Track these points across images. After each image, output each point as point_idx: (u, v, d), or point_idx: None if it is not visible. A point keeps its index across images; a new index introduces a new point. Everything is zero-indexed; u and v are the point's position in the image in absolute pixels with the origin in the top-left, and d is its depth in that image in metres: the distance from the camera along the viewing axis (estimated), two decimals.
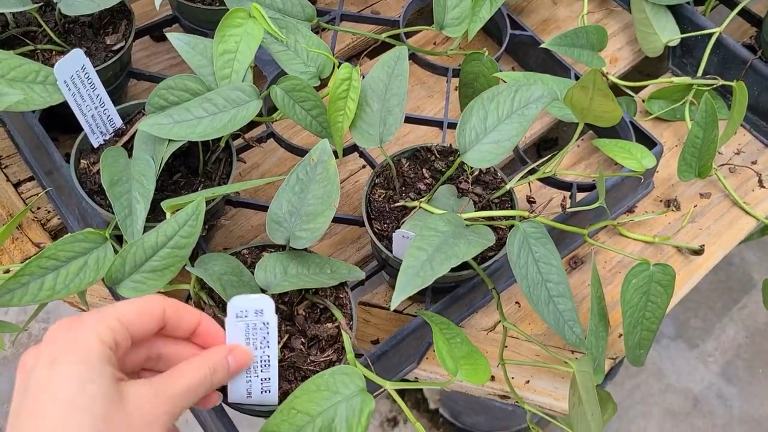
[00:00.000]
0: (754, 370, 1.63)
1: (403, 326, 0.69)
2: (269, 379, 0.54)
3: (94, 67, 0.68)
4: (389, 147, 0.86)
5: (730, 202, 0.88)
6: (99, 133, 0.70)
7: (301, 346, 0.62)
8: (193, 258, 0.60)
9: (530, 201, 0.84)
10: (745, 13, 0.99)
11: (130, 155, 0.67)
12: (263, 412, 0.58)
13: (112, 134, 0.71)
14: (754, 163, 0.92)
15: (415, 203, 0.68)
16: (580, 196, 0.80)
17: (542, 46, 0.87)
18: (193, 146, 0.71)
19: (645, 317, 0.72)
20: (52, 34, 0.77)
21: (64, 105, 0.67)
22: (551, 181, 0.82)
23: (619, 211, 0.86)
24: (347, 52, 0.99)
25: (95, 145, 0.71)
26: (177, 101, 0.67)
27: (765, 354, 1.65)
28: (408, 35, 0.93)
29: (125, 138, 0.71)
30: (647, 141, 0.83)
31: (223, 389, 0.53)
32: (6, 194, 0.83)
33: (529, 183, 0.72)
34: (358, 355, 0.61)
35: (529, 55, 0.95)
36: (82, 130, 0.69)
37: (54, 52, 0.78)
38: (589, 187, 0.81)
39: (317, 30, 0.83)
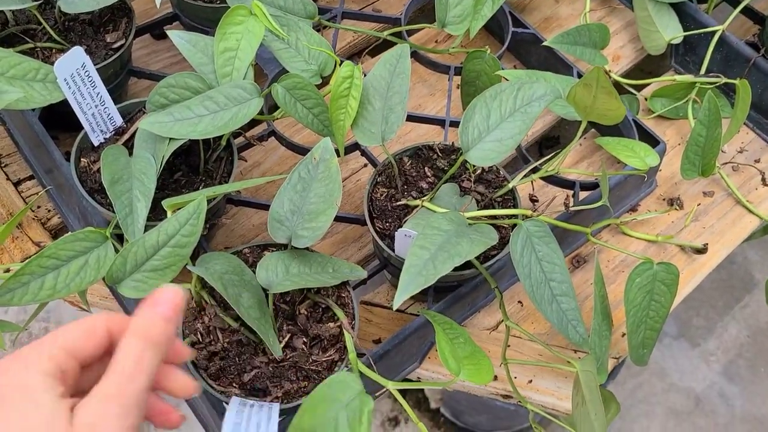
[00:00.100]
0: (756, 369, 1.63)
1: (405, 326, 0.68)
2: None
3: (95, 65, 0.68)
4: (391, 145, 0.86)
5: (733, 201, 0.88)
6: (99, 131, 0.70)
7: (303, 346, 0.62)
8: (194, 257, 0.60)
9: (533, 199, 0.84)
10: (748, 11, 0.99)
11: (130, 154, 0.67)
12: None
13: (113, 132, 0.71)
14: (757, 161, 0.91)
15: (418, 202, 0.68)
16: (583, 194, 0.80)
17: (544, 44, 0.86)
18: (194, 144, 0.71)
19: (648, 316, 0.72)
20: (52, 32, 0.76)
21: (64, 103, 0.66)
22: (554, 180, 0.81)
23: (622, 210, 0.85)
24: (348, 49, 0.99)
25: (95, 144, 0.70)
26: (178, 99, 0.67)
27: (767, 353, 1.64)
28: (409, 33, 0.93)
29: (126, 136, 0.70)
30: (650, 139, 0.83)
31: None
32: (6, 193, 0.82)
33: (531, 181, 0.72)
34: (360, 355, 0.60)
35: (531, 53, 0.95)
36: (82, 128, 0.69)
37: (54, 50, 0.77)
38: (592, 186, 0.80)
39: (318, 28, 0.83)
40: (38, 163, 0.82)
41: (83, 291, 0.64)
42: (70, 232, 0.79)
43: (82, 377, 0.41)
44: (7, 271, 0.66)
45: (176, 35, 0.69)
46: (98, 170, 0.68)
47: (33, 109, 0.75)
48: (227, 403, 0.57)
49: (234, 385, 0.60)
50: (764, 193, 0.88)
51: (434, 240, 0.58)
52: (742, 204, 0.87)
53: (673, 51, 0.98)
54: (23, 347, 0.39)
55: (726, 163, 0.90)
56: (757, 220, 0.86)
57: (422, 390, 1.52)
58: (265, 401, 0.59)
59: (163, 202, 0.60)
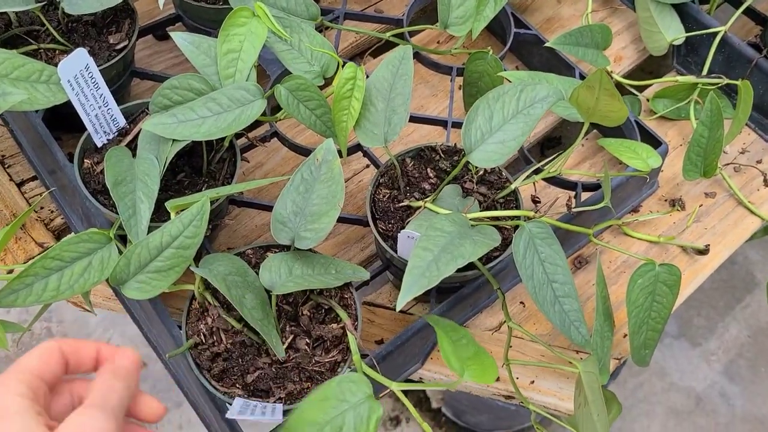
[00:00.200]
0: (757, 369, 1.63)
1: (408, 326, 0.68)
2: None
3: (98, 66, 0.68)
4: (393, 146, 0.86)
5: (735, 202, 0.88)
6: (102, 132, 0.70)
7: (306, 347, 0.62)
8: (197, 258, 0.60)
9: (535, 201, 0.84)
10: (750, 12, 0.99)
11: (133, 155, 0.67)
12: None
13: (116, 134, 0.71)
14: (759, 162, 0.91)
15: (420, 203, 0.68)
16: (585, 195, 0.80)
17: (546, 44, 0.86)
18: (196, 146, 0.71)
19: (650, 317, 0.72)
20: (55, 34, 0.76)
21: (68, 104, 0.67)
22: (556, 181, 0.81)
23: (624, 211, 0.86)
24: (350, 50, 0.99)
25: (99, 145, 0.70)
26: (181, 101, 0.67)
27: (767, 353, 1.64)
28: (411, 34, 0.93)
29: (129, 137, 0.71)
30: (652, 140, 0.83)
31: None
32: (9, 194, 0.83)
33: (534, 182, 0.72)
34: (362, 356, 0.60)
35: (533, 53, 0.95)
36: (85, 129, 0.69)
37: (57, 52, 0.77)
38: (594, 187, 0.81)
39: (321, 29, 0.83)
40: (41, 164, 0.82)
41: (87, 292, 0.64)
42: (73, 233, 0.80)
43: (52, 405, 0.46)
44: (11, 272, 0.66)
45: (179, 37, 0.69)
46: (101, 171, 0.68)
47: (36, 111, 0.75)
48: (230, 404, 0.57)
49: (237, 386, 0.60)
50: (766, 194, 0.89)
51: (437, 241, 0.58)
52: (743, 205, 0.87)
53: (675, 52, 0.98)
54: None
55: (728, 164, 0.90)
56: (758, 221, 0.87)
57: (423, 390, 1.52)
58: (268, 402, 0.59)
59: (166, 204, 0.61)
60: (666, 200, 0.87)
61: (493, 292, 0.77)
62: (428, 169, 0.72)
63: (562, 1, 1.04)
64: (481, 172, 0.72)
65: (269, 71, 0.85)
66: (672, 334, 1.66)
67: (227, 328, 0.61)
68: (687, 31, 0.94)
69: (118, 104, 0.70)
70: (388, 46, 0.88)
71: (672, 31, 0.94)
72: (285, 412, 0.58)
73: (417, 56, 0.89)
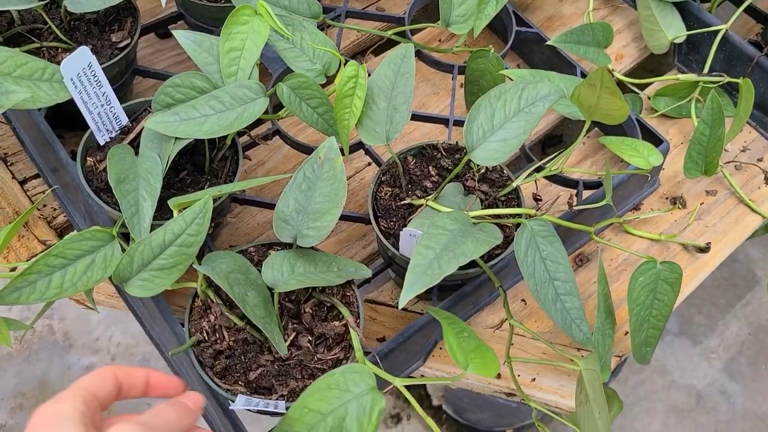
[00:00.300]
0: (757, 367, 1.63)
1: (410, 324, 0.68)
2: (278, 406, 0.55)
3: (100, 64, 0.68)
4: (395, 144, 0.86)
5: (736, 200, 0.88)
6: (105, 130, 0.70)
7: (308, 344, 0.62)
8: (199, 256, 0.60)
9: (536, 198, 0.84)
10: (751, 10, 0.99)
11: (136, 153, 0.67)
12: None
13: (118, 132, 0.71)
14: (760, 160, 0.92)
15: (422, 201, 0.68)
16: (586, 193, 0.80)
17: (548, 43, 0.87)
18: (199, 144, 0.71)
19: (652, 315, 0.72)
20: (57, 32, 0.77)
21: (70, 102, 0.67)
22: (557, 179, 0.82)
23: (625, 209, 0.86)
24: (352, 48, 0.99)
25: (101, 143, 0.71)
26: (183, 99, 0.67)
27: None
28: (413, 32, 0.93)
29: (131, 136, 0.71)
30: (653, 138, 0.83)
31: None
32: (12, 191, 0.83)
33: (535, 180, 0.72)
34: (365, 353, 0.61)
35: (535, 52, 0.95)
36: (88, 127, 0.69)
37: (60, 50, 0.77)
38: (596, 185, 0.81)
39: (323, 27, 0.83)
40: (44, 162, 0.82)
41: (90, 290, 0.64)
42: (76, 231, 0.80)
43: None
44: (14, 269, 0.67)
45: (181, 35, 0.70)
46: (104, 169, 0.68)
47: (39, 109, 0.75)
48: (233, 401, 0.57)
49: (240, 383, 0.60)
50: (767, 192, 0.89)
51: (439, 239, 0.58)
52: (744, 203, 0.87)
53: (676, 50, 0.98)
54: (58, 394, 0.49)
55: (729, 162, 0.90)
56: (759, 218, 0.87)
57: (424, 387, 1.52)
58: (270, 399, 0.59)
59: (169, 202, 0.61)
60: (667, 198, 0.88)
61: (495, 289, 0.77)
62: (430, 167, 0.72)
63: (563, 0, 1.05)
64: (483, 170, 0.72)
65: (271, 69, 0.85)
66: (673, 332, 1.66)
67: (230, 325, 0.62)
68: (688, 30, 0.94)
69: (121, 102, 0.71)
70: (390, 44, 0.89)
71: (673, 30, 0.94)
72: (287, 410, 0.58)
73: (418, 54, 0.89)
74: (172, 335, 0.64)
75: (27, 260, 0.77)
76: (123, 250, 0.61)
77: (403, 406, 1.54)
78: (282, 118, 0.75)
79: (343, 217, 0.76)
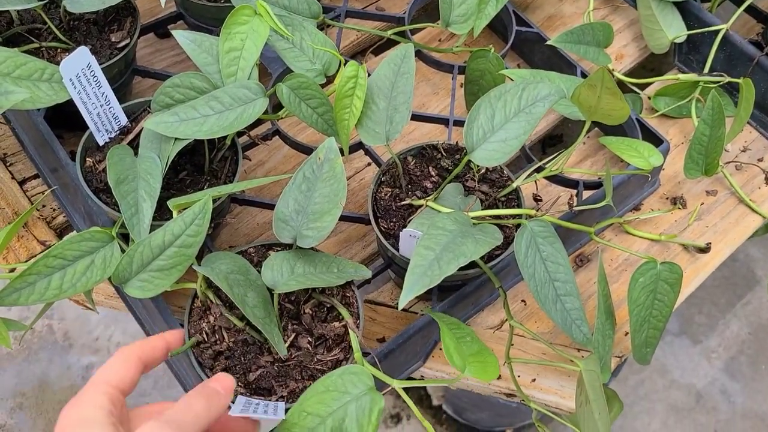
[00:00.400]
0: (758, 366, 1.63)
1: (410, 325, 0.68)
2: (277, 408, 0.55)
3: (99, 64, 0.68)
4: (395, 144, 0.86)
5: (736, 200, 0.88)
6: (104, 131, 0.70)
7: (308, 345, 0.62)
8: (199, 256, 0.60)
9: (536, 199, 0.84)
10: (751, 10, 0.99)
11: (135, 153, 0.67)
12: None
13: (118, 132, 0.71)
14: (760, 160, 0.91)
15: (422, 201, 0.68)
16: (586, 193, 0.80)
17: (548, 43, 0.86)
18: (198, 144, 0.71)
19: (652, 315, 0.72)
20: (57, 32, 0.76)
21: (70, 103, 0.67)
22: (558, 179, 0.81)
23: (625, 209, 0.86)
24: (352, 48, 0.99)
25: (101, 143, 0.71)
26: (183, 99, 0.67)
27: None
28: (413, 32, 0.93)
29: (131, 136, 0.71)
30: (653, 138, 0.83)
31: None
32: (11, 192, 0.83)
33: (535, 181, 0.72)
34: (364, 354, 0.61)
35: (535, 51, 0.95)
36: (87, 128, 0.69)
37: (59, 50, 0.77)
38: (596, 185, 0.81)
39: (322, 27, 0.83)
40: (43, 162, 0.82)
41: (89, 290, 0.64)
42: (75, 232, 0.80)
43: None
44: (13, 270, 0.67)
45: (181, 35, 0.70)
46: (104, 170, 0.68)
47: (38, 109, 0.75)
48: (233, 402, 0.57)
49: (239, 384, 0.60)
50: (767, 192, 0.89)
51: (439, 240, 0.58)
52: (745, 203, 0.87)
53: (676, 50, 0.98)
54: (80, 392, 0.49)
55: (729, 162, 0.90)
56: (760, 218, 0.87)
57: (425, 387, 1.52)
58: (270, 400, 0.59)
59: (168, 202, 0.61)
60: (667, 198, 0.87)
61: (495, 290, 0.77)
62: (430, 168, 0.72)
63: None
64: (483, 171, 0.72)
65: (271, 69, 0.85)
66: (673, 332, 1.66)
67: (229, 326, 0.62)
68: (688, 29, 0.94)
69: (120, 102, 0.71)
70: (390, 44, 0.89)
71: (673, 29, 0.94)
72: (287, 411, 0.58)
73: (418, 54, 0.89)
74: None
75: (26, 261, 0.77)
76: (122, 250, 0.61)
77: (403, 406, 1.54)
78: (282, 118, 0.75)
79: (342, 218, 0.76)
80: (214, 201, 0.61)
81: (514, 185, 0.69)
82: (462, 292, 0.71)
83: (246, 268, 0.62)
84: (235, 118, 0.65)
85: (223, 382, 0.51)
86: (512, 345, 0.71)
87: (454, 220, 0.60)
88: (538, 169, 0.73)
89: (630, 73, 0.98)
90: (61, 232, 0.82)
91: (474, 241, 0.59)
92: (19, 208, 0.81)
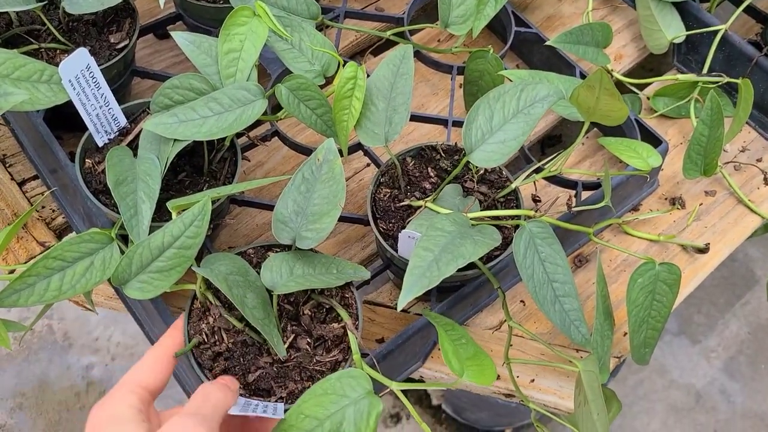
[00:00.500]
0: (757, 366, 1.63)
1: (408, 325, 0.68)
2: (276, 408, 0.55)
3: (99, 65, 0.68)
4: (394, 145, 0.86)
5: (735, 200, 0.88)
6: (104, 132, 0.70)
7: (307, 346, 0.62)
8: (198, 257, 0.60)
9: (535, 200, 0.84)
10: (750, 10, 0.99)
11: (134, 154, 0.67)
12: None
13: (117, 133, 0.71)
14: (759, 160, 0.92)
15: (421, 202, 0.68)
16: (585, 194, 0.80)
17: (547, 43, 0.86)
18: (197, 145, 0.71)
19: (650, 316, 0.72)
20: (56, 33, 0.76)
21: (69, 104, 0.67)
22: (556, 180, 0.81)
23: (624, 210, 0.86)
24: (351, 49, 0.99)
25: (100, 144, 0.71)
26: (182, 100, 0.67)
27: (767, 350, 1.65)
28: (412, 33, 0.93)
29: (130, 137, 0.71)
30: (652, 138, 0.83)
31: None
32: (11, 193, 0.83)
33: (534, 181, 0.72)
34: (363, 355, 0.61)
35: (534, 52, 0.95)
36: (86, 129, 0.69)
37: (58, 51, 0.77)
38: (595, 186, 0.81)
39: (321, 27, 0.83)
40: (43, 163, 0.82)
41: (89, 292, 0.64)
42: (74, 233, 0.80)
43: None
44: (12, 272, 0.67)
45: (180, 36, 0.70)
46: (103, 171, 0.68)
47: (38, 110, 0.75)
48: None
49: (239, 385, 0.60)
50: (766, 193, 0.89)
51: (438, 241, 0.58)
52: (743, 203, 0.87)
53: (675, 50, 0.98)
54: (110, 391, 0.52)
55: (728, 163, 0.90)
56: (758, 219, 0.87)
57: None
58: (269, 401, 0.59)
59: (167, 204, 0.61)
60: (666, 199, 0.88)
61: (494, 291, 0.77)
62: (429, 169, 0.72)
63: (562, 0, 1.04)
64: (482, 172, 0.72)
65: (270, 70, 0.85)
66: (672, 331, 1.66)
67: (229, 327, 0.62)
68: (687, 30, 0.94)
69: (119, 103, 0.71)
70: (389, 44, 0.89)
71: (672, 30, 0.94)
72: (286, 411, 0.58)
73: (417, 55, 0.89)
74: None
75: (26, 262, 0.77)
76: (122, 252, 0.61)
77: (402, 406, 1.54)
78: (281, 119, 0.75)
79: (341, 219, 0.76)
80: (213, 202, 0.61)
81: (513, 186, 0.69)
82: (461, 293, 0.71)
83: (245, 269, 0.62)
84: (234, 120, 0.65)
85: (231, 380, 0.54)
86: (511, 345, 0.71)
87: (452, 221, 0.61)
88: (537, 170, 0.73)
89: (629, 74, 0.98)
90: (60, 233, 0.82)
91: (473, 242, 0.59)
92: (18, 209, 0.82)
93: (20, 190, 0.83)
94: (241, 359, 0.61)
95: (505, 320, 0.70)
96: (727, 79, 0.90)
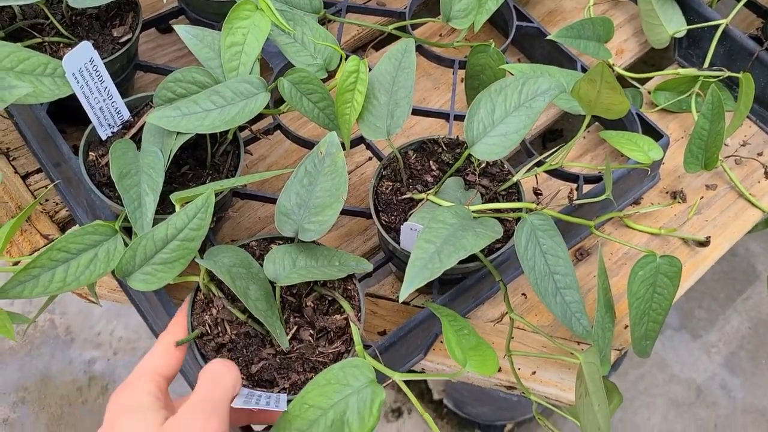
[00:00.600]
0: (758, 361, 1.63)
1: (411, 318, 0.69)
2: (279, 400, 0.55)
3: (102, 59, 0.68)
4: (395, 139, 0.86)
5: (736, 194, 0.88)
6: (107, 125, 0.70)
7: (310, 338, 0.62)
8: (201, 250, 0.60)
9: (537, 193, 0.84)
10: (751, 5, 0.99)
11: (138, 148, 0.67)
12: None
13: (120, 126, 0.72)
14: (760, 154, 0.92)
15: (423, 195, 0.68)
16: (586, 187, 0.81)
17: (548, 37, 0.87)
18: (200, 138, 0.71)
19: (651, 309, 0.72)
20: (59, 27, 0.77)
21: (72, 97, 0.67)
22: (558, 173, 0.82)
23: (625, 203, 0.86)
24: (353, 43, 0.99)
25: (103, 138, 0.71)
26: (185, 94, 0.67)
27: None
28: (414, 27, 0.93)
29: (133, 130, 0.71)
30: (653, 132, 0.83)
31: None
32: (14, 186, 0.83)
33: (535, 175, 0.72)
34: (366, 347, 0.61)
35: (535, 46, 0.95)
36: (90, 122, 0.70)
37: (61, 45, 0.78)
38: (596, 179, 0.81)
39: (323, 22, 0.83)
40: (46, 156, 0.82)
41: (93, 284, 0.65)
42: (78, 226, 0.80)
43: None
44: (17, 263, 0.67)
45: (183, 30, 0.70)
46: (106, 164, 0.68)
47: (41, 104, 0.75)
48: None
49: (242, 376, 0.61)
50: (767, 186, 0.89)
51: (440, 233, 0.58)
52: (744, 197, 0.88)
53: (676, 44, 0.98)
54: (129, 376, 0.53)
55: (729, 157, 0.91)
56: (759, 213, 0.87)
57: (425, 381, 1.53)
58: (272, 392, 0.60)
59: (171, 196, 0.61)
60: (667, 192, 0.88)
61: (495, 283, 0.77)
62: (431, 162, 0.73)
63: None
64: (483, 165, 0.72)
65: (272, 64, 0.85)
66: (673, 326, 1.67)
67: (232, 319, 0.62)
68: (688, 24, 0.94)
69: (122, 97, 0.71)
70: (391, 39, 0.89)
71: (674, 24, 0.94)
72: (289, 402, 0.59)
73: (419, 49, 0.89)
74: None
75: (29, 254, 0.78)
76: (125, 244, 0.62)
77: (404, 401, 1.54)
78: (283, 112, 0.75)
79: (344, 212, 0.76)
80: (216, 195, 0.61)
81: (515, 179, 0.70)
82: (462, 285, 0.71)
83: (248, 261, 0.62)
84: (236, 113, 0.66)
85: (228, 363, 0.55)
86: (512, 338, 0.72)
87: (454, 214, 0.61)
88: (539, 164, 0.73)
89: (630, 68, 0.98)
90: (63, 227, 0.82)
91: (474, 234, 0.59)
92: (22, 202, 0.82)
93: (24, 184, 0.84)
94: (244, 350, 0.62)
95: (507, 313, 0.70)
96: (728, 74, 0.90)
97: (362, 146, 0.83)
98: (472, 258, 0.66)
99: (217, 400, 0.50)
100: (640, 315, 0.72)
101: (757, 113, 0.94)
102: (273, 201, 0.74)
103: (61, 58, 0.65)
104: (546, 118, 0.93)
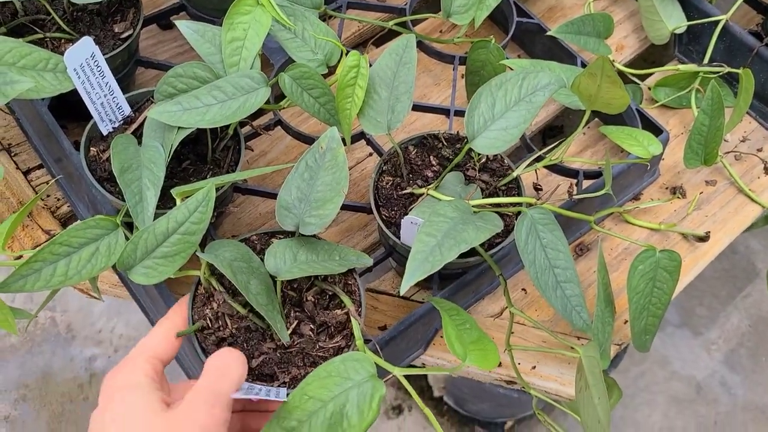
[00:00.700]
0: (758, 359, 1.64)
1: (411, 312, 0.69)
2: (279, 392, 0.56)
3: (103, 55, 0.68)
4: (396, 134, 0.87)
5: (735, 190, 0.88)
6: (108, 120, 0.71)
7: (310, 333, 0.62)
8: (202, 244, 0.61)
9: (537, 188, 0.84)
10: (751, 1, 0.99)
11: (139, 143, 0.67)
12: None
13: (121, 122, 0.72)
14: (759, 150, 0.92)
15: (423, 190, 0.69)
16: (586, 183, 0.81)
17: (549, 33, 0.87)
18: (201, 134, 0.72)
19: (651, 303, 0.73)
20: (60, 22, 0.77)
21: (74, 93, 0.67)
22: (558, 169, 0.82)
23: (625, 198, 0.86)
24: (354, 39, 0.99)
25: (104, 133, 0.71)
26: (186, 89, 0.68)
27: None
28: (414, 23, 0.93)
29: (134, 125, 0.71)
30: (653, 128, 0.83)
31: None
32: (16, 182, 0.83)
33: (535, 170, 0.73)
34: (366, 341, 0.61)
35: (536, 42, 0.95)
36: (91, 117, 0.70)
37: (63, 40, 0.78)
38: (596, 174, 0.81)
39: (324, 17, 0.84)
40: (48, 152, 0.83)
41: (94, 278, 0.65)
42: (79, 221, 0.80)
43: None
44: (19, 257, 0.67)
45: (184, 25, 0.70)
46: (107, 159, 0.68)
47: (42, 99, 0.76)
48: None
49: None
50: (766, 182, 0.89)
51: (440, 227, 0.58)
52: (744, 193, 0.88)
53: (676, 40, 0.98)
54: (125, 357, 0.54)
55: (728, 152, 0.91)
56: (759, 208, 0.87)
57: (425, 378, 1.53)
58: (272, 386, 0.60)
59: (172, 191, 0.61)
60: (667, 188, 0.88)
61: (495, 278, 0.78)
62: (431, 157, 0.73)
63: None
64: (484, 160, 0.72)
65: (273, 60, 0.85)
66: (674, 323, 1.67)
67: (232, 313, 0.62)
68: (688, 20, 0.94)
69: (123, 93, 0.71)
70: (391, 35, 0.89)
71: (673, 20, 0.94)
72: (288, 396, 0.59)
73: (420, 45, 0.90)
74: None
75: (31, 250, 0.78)
76: (127, 238, 0.62)
77: (404, 398, 1.54)
78: (284, 108, 0.75)
79: (344, 207, 0.77)
80: (217, 189, 0.61)
81: (515, 174, 0.70)
82: (463, 280, 0.71)
83: (249, 255, 0.62)
84: (237, 108, 0.66)
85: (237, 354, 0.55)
86: (512, 333, 0.72)
87: (455, 208, 0.61)
88: (539, 159, 0.73)
89: (630, 64, 0.99)
90: (65, 222, 0.82)
91: (475, 228, 0.59)
92: (24, 197, 0.82)
93: (25, 179, 0.84)
94: (245, 345, 0.62)
95: (507, 308, 0.70)
96: (727, 70, 0.90)
97: (363, 143, 0.84)
98: (472, 253, 0.66)
99: (222, 391, 0.50)
100: (639, 309, 0.72)
101: (757, 109, 0.94)
102: (273, 197, 0.74)
103: (62, 54, 0.65)
104: (546, 114, 0.93)
